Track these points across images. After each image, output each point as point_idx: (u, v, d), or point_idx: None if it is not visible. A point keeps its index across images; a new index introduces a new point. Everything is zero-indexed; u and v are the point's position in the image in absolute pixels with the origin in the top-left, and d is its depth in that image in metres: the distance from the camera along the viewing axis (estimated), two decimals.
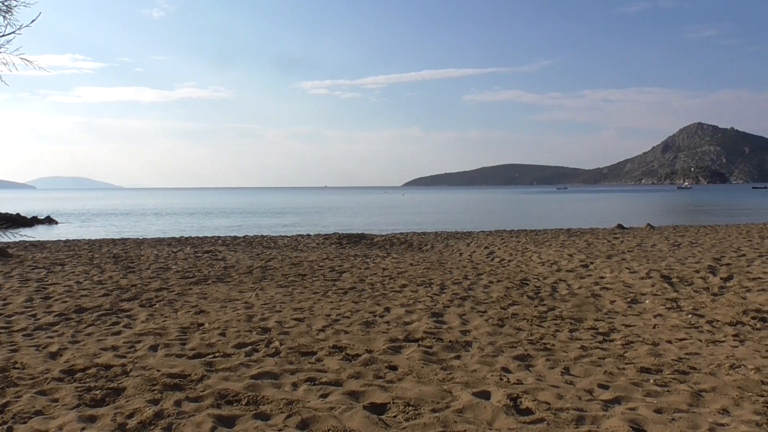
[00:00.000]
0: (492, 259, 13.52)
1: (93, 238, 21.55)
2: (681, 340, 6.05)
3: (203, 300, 8.35)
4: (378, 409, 4.17)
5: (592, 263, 11.93)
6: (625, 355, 5.50)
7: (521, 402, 4.22)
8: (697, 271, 10.37)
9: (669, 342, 5.97)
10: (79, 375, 4.89)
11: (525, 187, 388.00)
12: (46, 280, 10.19)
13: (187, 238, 20.66)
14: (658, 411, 4.10)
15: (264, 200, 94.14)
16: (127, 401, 4.29)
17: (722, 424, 3.89)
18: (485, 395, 4.39)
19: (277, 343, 5.85)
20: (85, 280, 10.10)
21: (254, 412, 4.09)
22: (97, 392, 4.45)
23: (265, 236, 21.44)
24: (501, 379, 4.75)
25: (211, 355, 5.46)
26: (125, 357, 5.41)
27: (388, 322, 6.83)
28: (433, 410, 4.11)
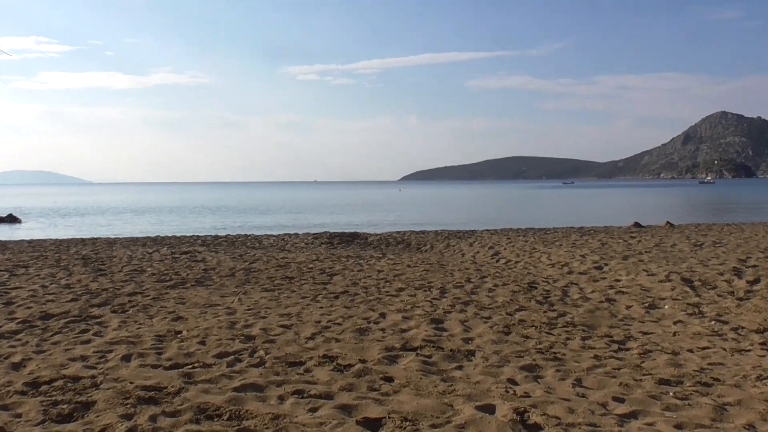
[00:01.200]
0: (497, 261, 13.53)
1: (60, 237, 21.46)
2: (703, 348, 6.08)
3: (181, 305, 8.33)
4: (372, 424, 4.17)
5: (606, 265, 11.96)
6: (643, 365, 5.53)
7: (529, 416, 4.23)
8: (721, 274, 10.41)
9: (690, 351, 6.00)
10: (44, 388, 4.87)
11: (533, 182, 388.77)
12: (8, 283, 10.15)
13: (163, 237, 20.59)
14: (679, 426, 4.12)
15: (247, 196, 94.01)
16: (98, 416, 4.27)
17: None
18: (489, 409, 4.40)
19: (261, 353, 5.85)
20: (52, 284, 10.06)
21: (237, 427, 4.09)
22: (65, 406, 4.43)
23: (249, 235, 21.38)
24: (507, 392, 4.76)
25: (190, 366, 5.45)
26: (95, 368, 5.39)
27: (383, 330, 6.83)
28: (433, 425, 4.11)
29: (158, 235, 21.70)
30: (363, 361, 5.57)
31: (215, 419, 4.25)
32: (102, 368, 5.38)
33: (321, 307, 8.14)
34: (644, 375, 5.23)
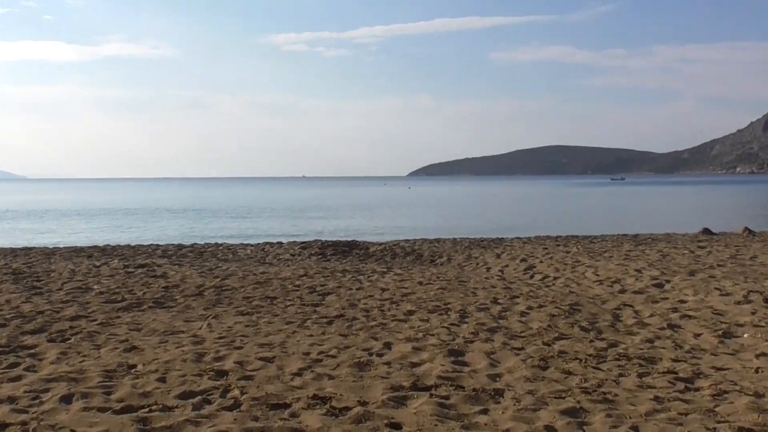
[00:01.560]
0: (531, 276, 13.51)
1: None
2: None
3: (136, 332, 8.33)
4: None
5: (668, 282, 11.92)
6: (717, 409, 5.48)
7: None
8: None
9: None
10: None
11: (575, 177, 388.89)
12: None
13: (114, 247, 20.64)
14: None
15: (219, 195, 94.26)
16: None
17: None
18: None
19: (236, 392, 5.82)
20: None
21: None
22: None
23: (221, 245, 21.43)
24: None
25: (146, 409, 5.43)
26: (27, 412, 5.36)
27: (388, 363, 6.81)
28: None
29: (108, 244, 21.74)
30: (363, 404, 5.54)
31: None
32: (35, 412, 5.35)
33: (310, 335, 8.12)
34: (719, 422, 5.17)
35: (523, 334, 8.12)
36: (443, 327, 8.51)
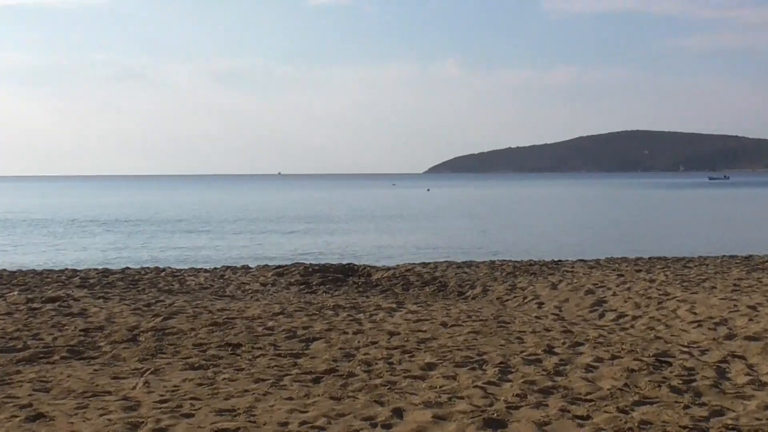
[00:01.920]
0: (601, 315, 13.46)
1: None
2: None
3: (43, 393, 8.31)
4: None
5: None
6: None
7: None
8: None
9: None
10: None
11: (661, 175, 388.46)
12: None
13: (14, 273, 20.62)
14: None
15: (165, 200, 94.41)
16: None
17: None
18: None
19: None
20: None
21: None
22: None
23: (164, 270, 21.43)
24: None
25: None
26: None
27: None
28: None
29: (5, 270, 21.75)
30: None
31: None
32: None
33: (289, 398, 8.09)
34: None
35: (589, 397, 8.07)
36: (476, 387, 8.47)
